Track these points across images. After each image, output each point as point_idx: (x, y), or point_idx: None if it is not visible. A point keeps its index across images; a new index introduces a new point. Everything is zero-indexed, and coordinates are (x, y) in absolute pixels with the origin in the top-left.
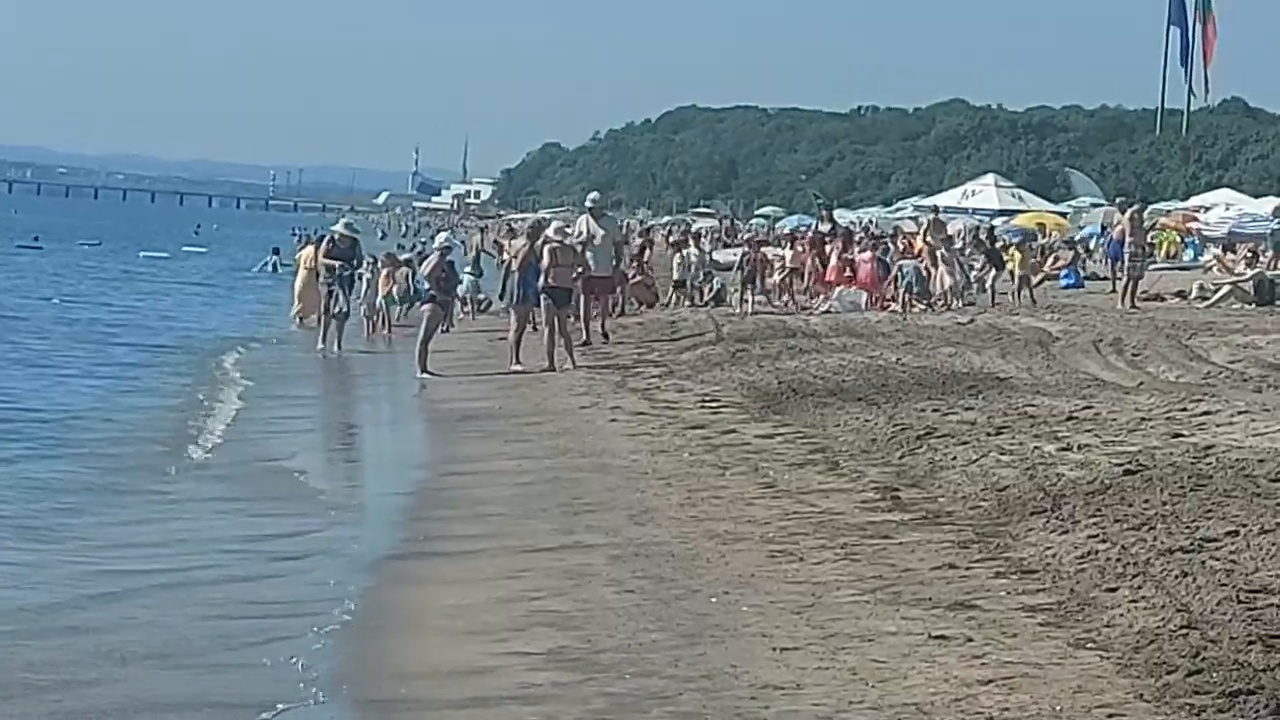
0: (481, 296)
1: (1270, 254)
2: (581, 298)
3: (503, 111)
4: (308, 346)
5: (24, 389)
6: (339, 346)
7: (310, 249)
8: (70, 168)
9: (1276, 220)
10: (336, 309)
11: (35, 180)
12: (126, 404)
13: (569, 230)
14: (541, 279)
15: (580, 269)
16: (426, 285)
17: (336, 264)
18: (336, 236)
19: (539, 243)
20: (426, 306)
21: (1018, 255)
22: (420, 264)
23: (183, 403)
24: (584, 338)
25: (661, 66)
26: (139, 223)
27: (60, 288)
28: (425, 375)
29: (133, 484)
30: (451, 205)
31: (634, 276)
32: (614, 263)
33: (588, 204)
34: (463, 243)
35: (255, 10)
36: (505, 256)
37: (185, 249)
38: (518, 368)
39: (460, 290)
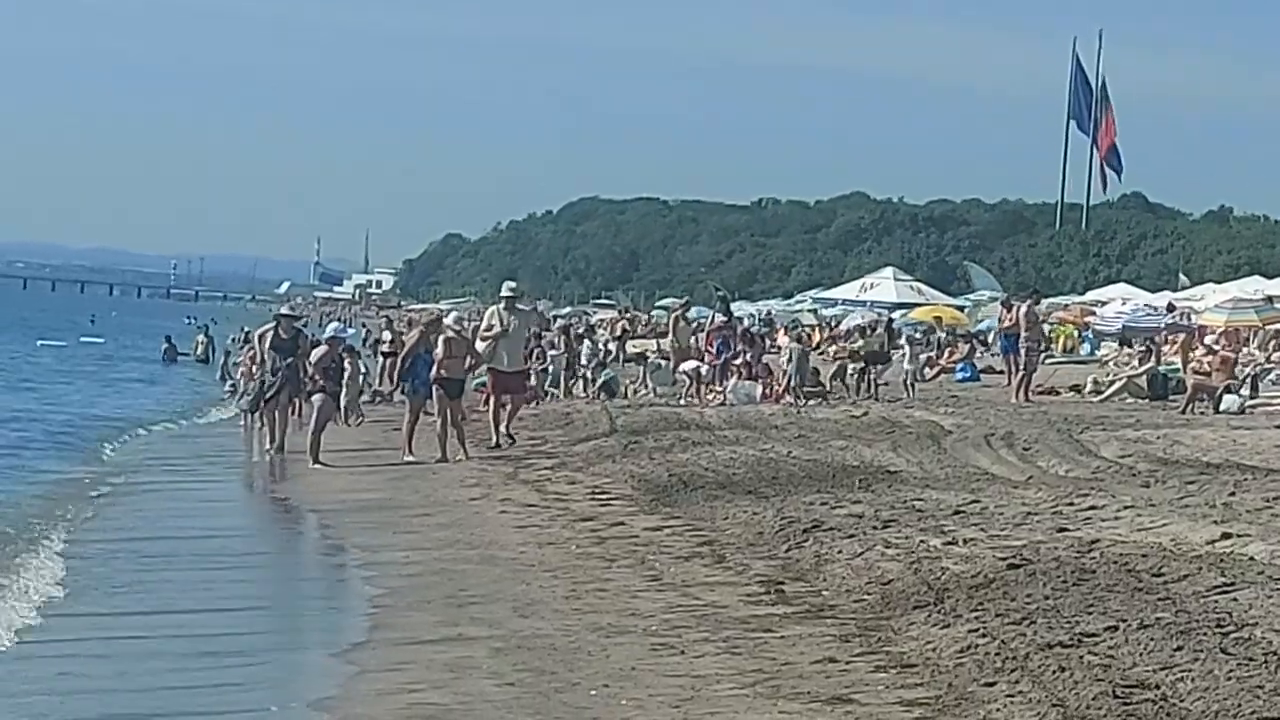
0: (385, 388)
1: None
2: (491, 397)
3: (405, 202)
4: (197, 434)
5: None
6: (277, 442)
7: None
8: None
9: (1171, 315)
10: (273, 404)
11: None
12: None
13: (465, 321)
14: (434, 370)
15: (474, 360)
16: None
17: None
18: (281, 325)
19: (433, 334)
20: (317, 396)
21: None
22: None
23: (67, 489)
24: (494, 441)
25: (564, 158)
26: (39, 311)
27: None
28: (317, 466)
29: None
30: (353, 295)
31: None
32: (526, 357)
33: (504, 293)
34: (369, 333)
35: (161, 99)
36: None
37: (83, 339)
38: (410, 458)
39: (361, 381)
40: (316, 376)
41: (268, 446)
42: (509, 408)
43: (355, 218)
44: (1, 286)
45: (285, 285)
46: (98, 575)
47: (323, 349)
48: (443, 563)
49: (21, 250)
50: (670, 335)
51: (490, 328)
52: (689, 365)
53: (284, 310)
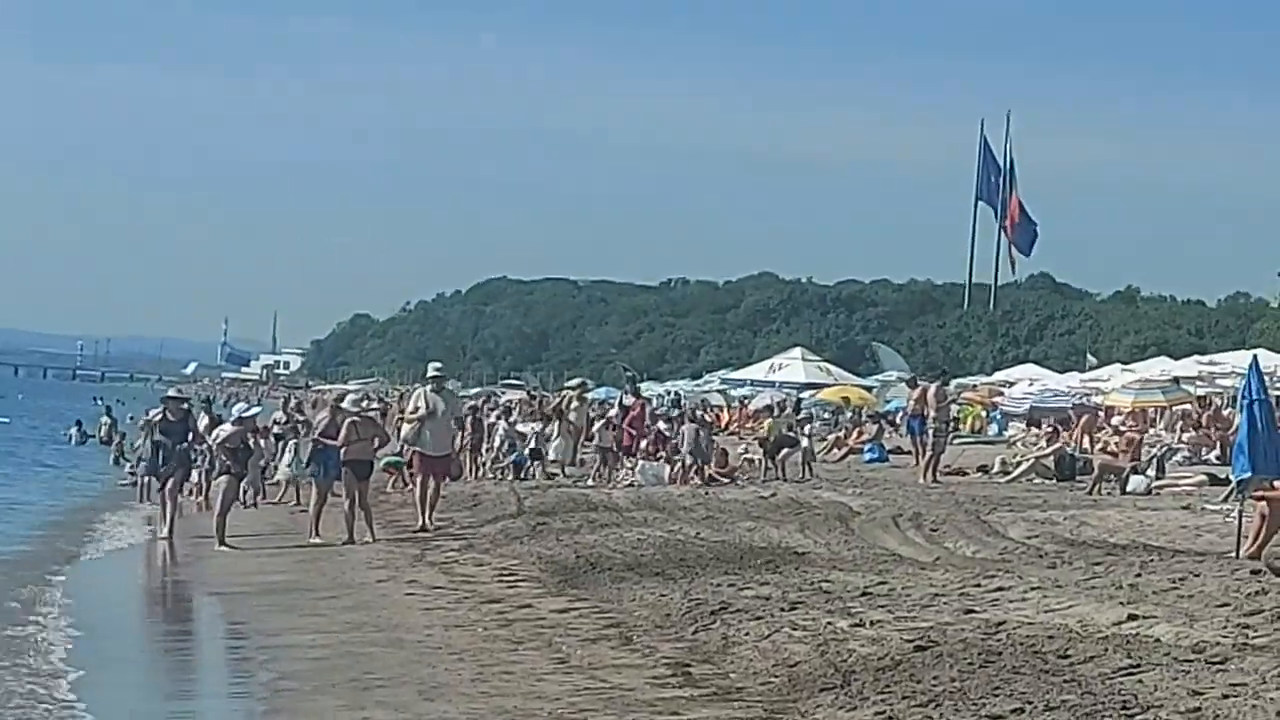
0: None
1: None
2: (418, 478)
3: (312, 282)
4: (108, 520)
5: None
6: (172, 529)
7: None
8: None
9: (1078, 396)
10: (170, 484)
11: None
12: None
13: (364, 403)
14: (341, 452)
15: (380, 441)
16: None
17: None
18: (168, 409)
19: (339, 416)
20: (222, 479)
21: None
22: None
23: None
24: (420, 523)
25: (472, 239)
26: None
27: None
28: (223, 548)
29: None
30: (261, 376)
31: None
32: (453, 439)
33: (430, 374)
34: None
35: (64, 179)
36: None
37: None
38: (317, 540)
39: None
40: (223, 457)
41: (162, 532)
42: (434, 491)
43: (263, 298)
44: None
45: (192, 366)
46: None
47: (230, 429)
48: (349, 645)
49: None
50: (566, 414)
51: (416, 410)
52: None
53: (171, 393)
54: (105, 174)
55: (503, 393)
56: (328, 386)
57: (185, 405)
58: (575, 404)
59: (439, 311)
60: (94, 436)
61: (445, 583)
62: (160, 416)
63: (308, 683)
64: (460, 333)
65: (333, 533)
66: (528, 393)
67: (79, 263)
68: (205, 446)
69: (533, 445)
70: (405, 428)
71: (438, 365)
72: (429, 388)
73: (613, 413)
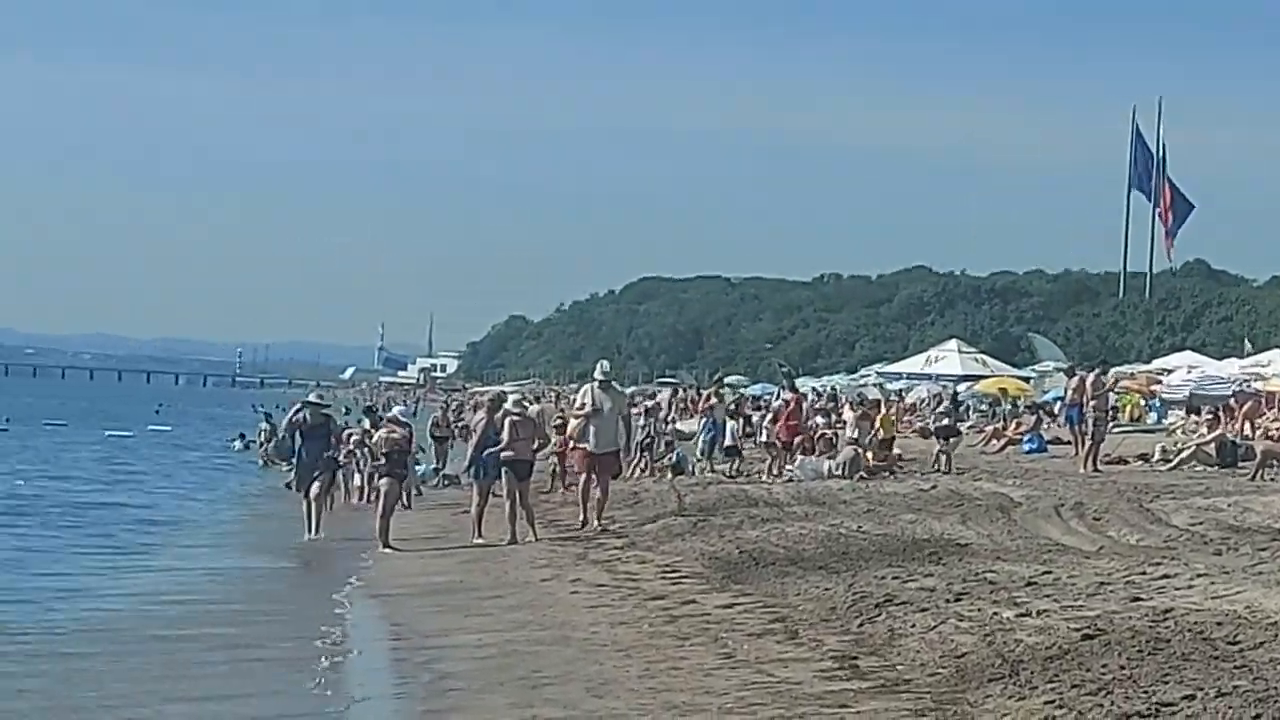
0: (450, 472)
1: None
2: (583, 476)
3: (467, 285)
4: (270, 523)
5: None
6: (319, 530)
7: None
8: (37, 348)
9: (1238, 383)
10: (314, 489)
11: (2, 361)
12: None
13: (526, 403)
14: (502, 452)
15: (540, 441)
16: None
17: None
18: (307, 413)
19: (498, 415)
20: (384, 481)
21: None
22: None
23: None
24: (583, 519)
25: (625, 238)
26: (105, 402)
27: (22, 469)
28: (386, 550)
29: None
30: (417, 379)
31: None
32: (621, 439)
33: (598, 375)
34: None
35: (222, 190)
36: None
37: (150, 428)
38: (479, 541)
39: (421, 471)
40: (382, 460)
41: (307, 537)
42: (599, 489)
43: (419, 302)
44: (70, 378)
45: (350, 370)
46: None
47: (387, 431)
48: (515, 644)
49: (88, 342)
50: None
51: (583, 406)
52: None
53: (312, 397)
54: (265, 186)
55: (658, 391)
56: (484, 388)
57: (326, 410)
58: (714, 400)
59: (593, 311)
60: (256, 443)
61: (609, 580)
62: (302, 419)
63: (475, 682)
64: (614, 332)
65: (495, 533)
66: (683, 389)
67: (239, 272)
68: (366, 450)
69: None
70: (571, 424)
71: (606, 365)
72: (596, 385)
73: (777, 404)
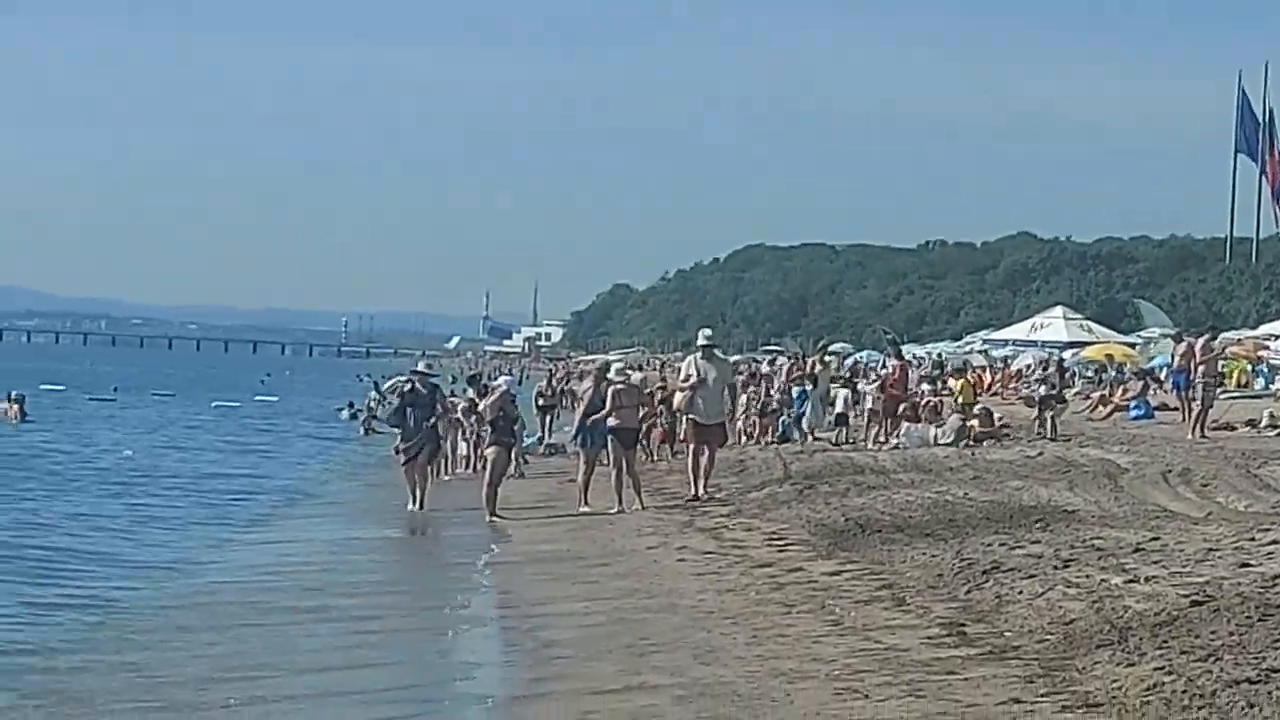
0: (555, 441)
1: None
2: (690, 447)
3: (572, 254)
4: (379, 493)
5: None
6: (424, 501)
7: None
8: (144, 319)
9: None
10: (420, 459)
11: (110, 332)
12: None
13: (630, 371)
14: (607, 420)
15: (645, 409)
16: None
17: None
18: (416, 382)
19: (604, 385)
20: (491, 449)
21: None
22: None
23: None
24: (694, 492)
25: (729, 207)
26: (212, 372)
27: (130, 439)
28: (493, 519)
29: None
30: (522, 348)
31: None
32: (726, 408)
33: (700, 342)
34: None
35: (331, 159)
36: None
37: (256, 398)
38: (586, 509)
39: (528, 440)
40: (489, 429)
41: (411, 507)
42: (709, 459)
43: (524, 271)
44: (177, 348)
45: (455, 340)
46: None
47: (493, 397)
48: (622, 612)
49: (195, 313)
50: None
51: (688, 377)
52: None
53: (420, 366)
54: (368, 154)
55: (764, 359)
56: (589, 357)
57: (435, 379)
58: (820, 367)
59: (698, 279)
60: (363, 412)
61: (715, 548)
62: (409, 388)
63: (582, 650)
64: (719, 300)
65: (601, 502)
66: (788, 357)
67: (344, 240)
68: (473, 420)
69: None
70: (677, 396)
71: (708, 333)
72: (700, 355)
73: (885, 371)
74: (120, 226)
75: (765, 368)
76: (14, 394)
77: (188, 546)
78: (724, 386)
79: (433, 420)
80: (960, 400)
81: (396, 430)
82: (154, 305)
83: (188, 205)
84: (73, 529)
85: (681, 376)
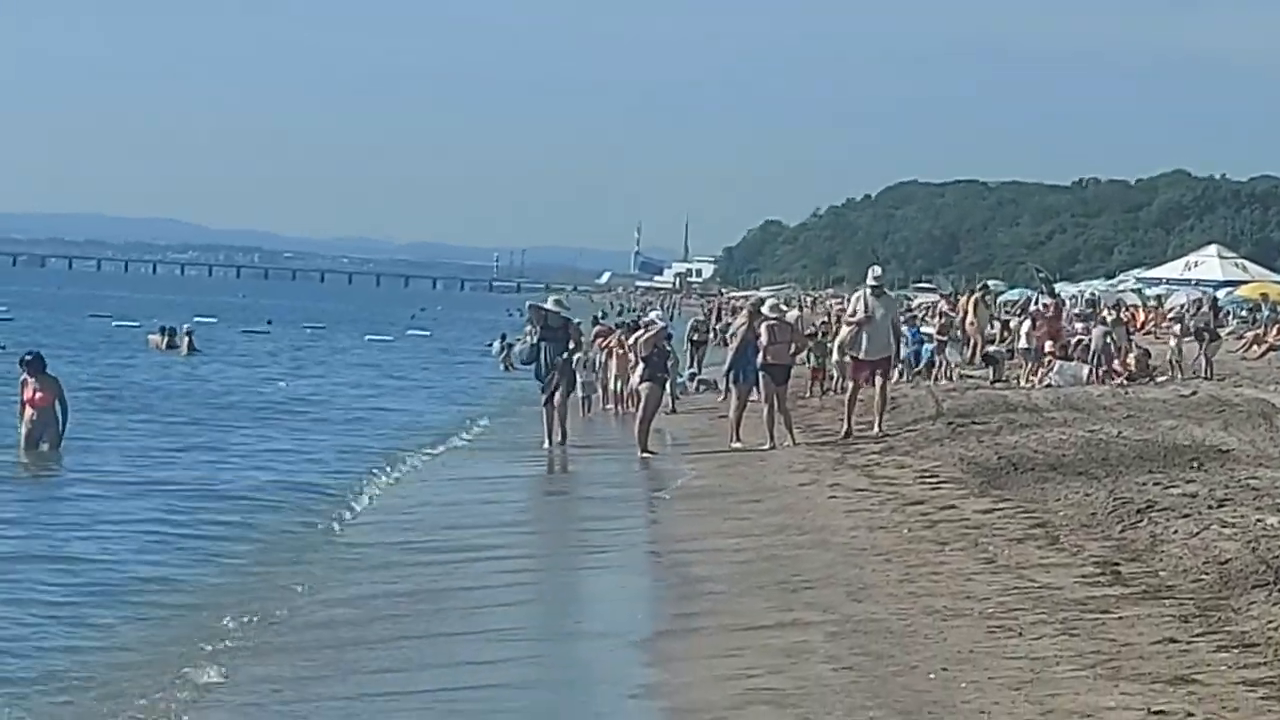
0: (706, 376)
1: None
2: (852, 384)
3: (724, 190)
4: (532, 429)
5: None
6: (563, 437)
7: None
8: (297, 252)
9: None
10: (556, 397)
11: (262, 265)
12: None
13: (784, 307)
14: (760, 356)
15: (797, 346)
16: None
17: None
18: (547, 316)
19: (757, 321)
20: (644, 385)
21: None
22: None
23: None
24: (845, 427)
25: (881, 143)
26: (364, 306)
27: (285, 371)
28: (645, 455)
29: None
30: (673, 284)
31: None
32: (892, 345)
33: (870, 281)
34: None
35: (476, 98)
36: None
37: (409, 331)
38: (737, 445)
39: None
40: (643, 365)
41: (548, 443)
42: (878, 396)
43: (675, 207)
44: (329, 282)
45: (606, 275)
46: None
47: (648, 333)
48: (773, 548)
49: (347, 246)
50: (969, 316)
51: (854, 313)
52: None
53: (550, 302)
54: (518, 94)
55: (914, 296)
56: (741, 293)
57: (564, 315)
58: (979, 306)
59: (849, 216)
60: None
61: (867, 485)
62: (541, 324)
63: (735, 585)
64: (870, 237)
65: (753, 438)
66: (941, 296)
67: (496, 176)
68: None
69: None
70: (843, 331)
71: (878, 271)
72: (869, 291)
73: (1035, 309)
74: (273, 160)
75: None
76: (186, 327)
77: (340, 483)
78: (890, 324)
79: (567, 356)
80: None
81: (528, 368)
82: (306, 239)
83: (340, 140)
84: (233, 462)
85: (849, 312)
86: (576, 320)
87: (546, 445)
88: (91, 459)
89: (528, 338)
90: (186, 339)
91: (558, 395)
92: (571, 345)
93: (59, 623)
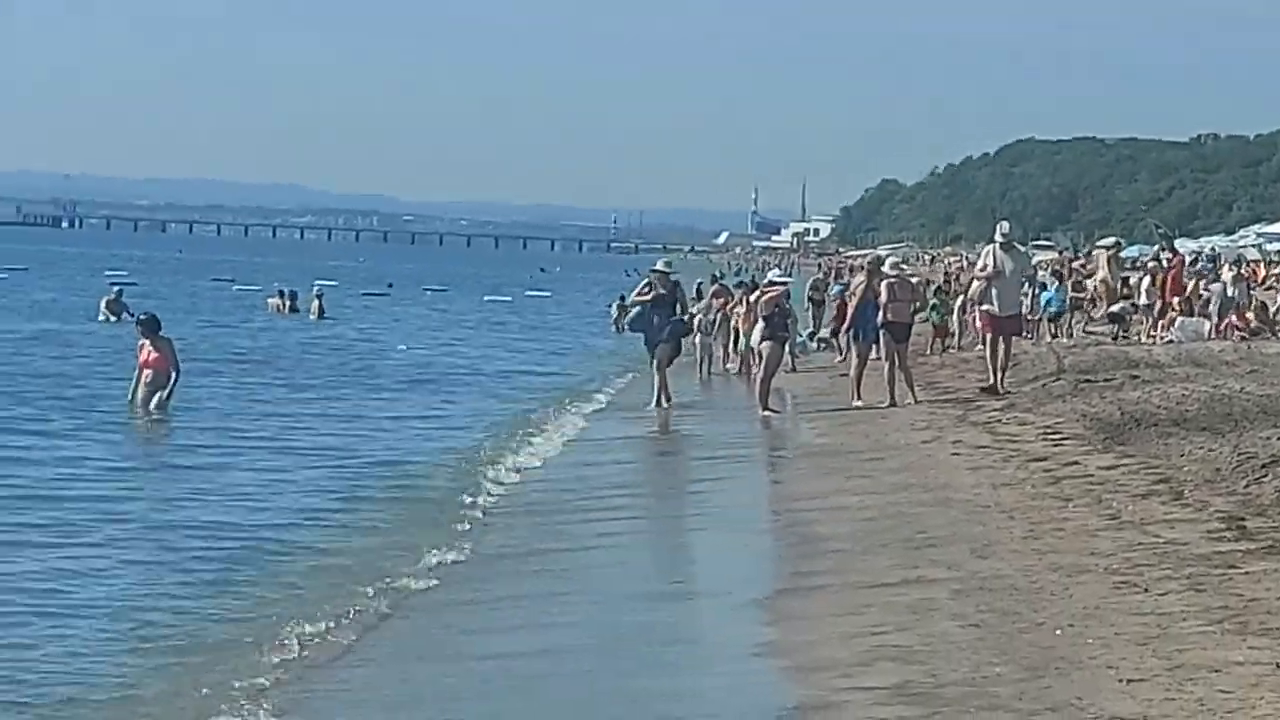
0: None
1: None
2: (989, 339)
3: (841, 149)
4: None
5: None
6: (668, 399)
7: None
8: (415, 215)
9: None
10: (663, 360)
11: (381, 228)
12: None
13: (904, 265)
14: (880, 314)
15: (918, 304)
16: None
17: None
18: (656, 281)
19: (876, 279)
20: (765, 344)
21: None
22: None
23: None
24: (990, 382)
25: (998, 100)
26: (483, 268)
27: (406, 334)
28: (767, 413)
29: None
30: (791, 243)
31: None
32: (1022, 301)
33: (998, 236)
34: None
35: (592, 62)
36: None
37: (527, 293)
38: (858, 404)
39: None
40: (764, 324)
41: (654, 404)
42: (1005, 352)
43: (792, 167)
44: (447, 244)
45: (724, 235)
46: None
47: (769, 293)
48: (897, 506)
49: (464, 209)
50: (1102, 274)
51: (984, 268)
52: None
53: (658, 265)
54: (637, 58)
55: (1034, 254)
56: (858, 252)
57: (674, 278)
58: (1113, 265)
59: (966, 174)
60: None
61: (990, 442)
62: (649, 288)
63: (859, 543)
64: (988, 195)
65: (874, 396)
66: (1059, 253)
67: (612, 138)
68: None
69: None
70: (973, 286)
71: (1006, 227)
72: (998, 246)
73: (1153, 265)
74: (392, 125)
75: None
76: (316, 290)
77: (471, 447)
78: (1021, 279)
79: (675, 319)
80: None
81: (640, 334)
82: (424, 202)
83: (459, 104)
84: (369, 428)
85: (979, 267)
86: (699, 282)
87: (654, 407)
88: (233, 424)
89: (637, 301)
90: (316, 302)
91: (665, 357)
92: (679, 308)
93: (212, 589)
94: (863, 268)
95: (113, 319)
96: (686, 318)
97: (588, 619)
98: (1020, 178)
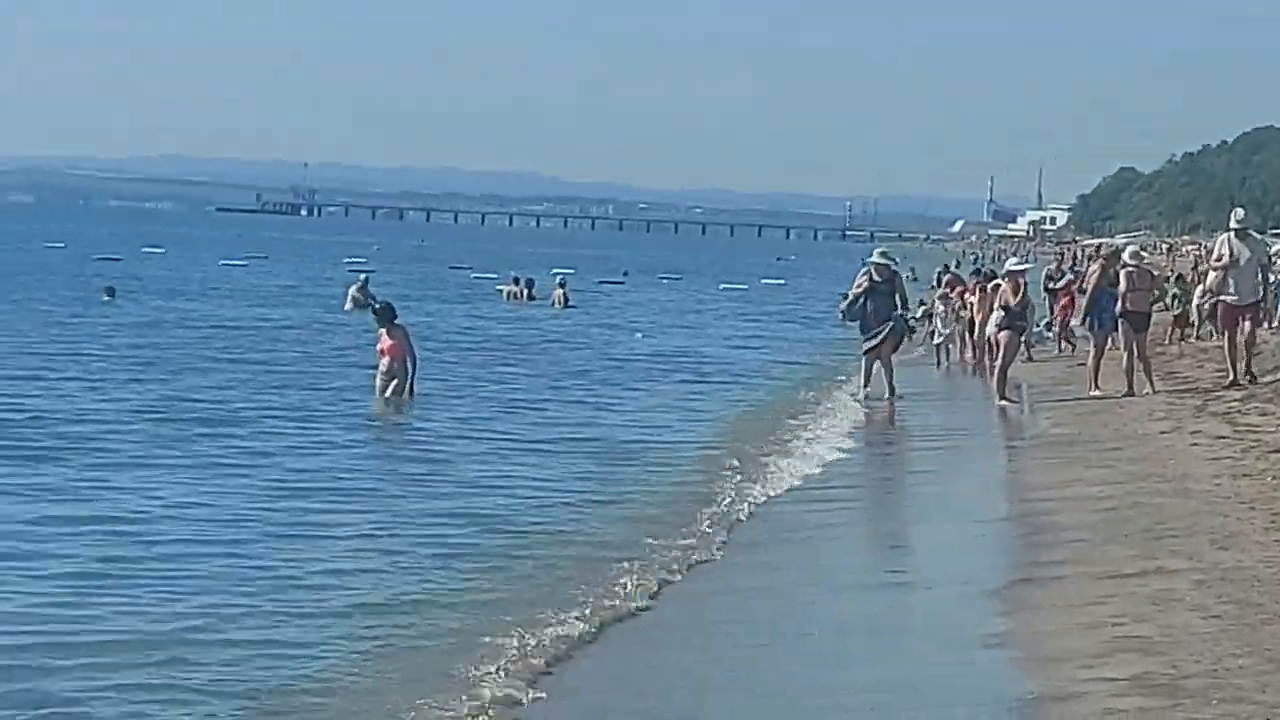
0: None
1: None
2: (1226, 331)
3: (1077, 138)
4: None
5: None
6: (891, 390)
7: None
8: (650, 203)
9: None
10: (883, 350)
11: (617, 216)
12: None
13: (1144, 254)
14: (1118, 304)
15: (1157, 293)
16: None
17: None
18: (873, 271)
19: (1113, 267)
20: (1003, 334)
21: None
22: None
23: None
24: (1232, 377)
25: (1239, 86)
26: (717, 256)
27: (644, 323)
28: (1003, 403)
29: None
30: (1027, 232)
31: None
32: (1260, 289)
33: (1233, 224)
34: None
35: (827, 49)
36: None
37: (763, 281)
38: (1096, 393)
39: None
40: (1002, 313)
41: (858, 394)
42: (1245, 339)
43: (1028, 155)
44: (682, 232)
45: (959, 224)
46: None
47: (1008, 283)
48: (1136, 496)
49: (698, 197)
50: None
51: (1220, 257)
52: None
53: (875, 256)
54: (873, 43)
55: (1273, 243)
56: (1094, 241)
57: (892, 268)
58: None
59: (1204, 163)
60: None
61: (1229, 433)
62: (868, 278)
63: (1099, 534)
64: (1227, 183)
65: (1112, 385)
66: None
67: (840, 125)
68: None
69: None
70: (1210, 276)
71: (1241, 213)
72: (1233, 234)
73: None
74: (625, 114)
75: None
76: (559, 279)
77: (721, 441)
78: (1258, 267)
79: (898, 313)
80: None
81: (854, 324)
82: (659, 190)
83: (694, 92)
84: (621, 418)
85: (1215, 256)
86: (937, 270)
87: (859, 395)
88: (484, 414)
89: (856, 291)
90: (560, 291)
91: (884, 348)
92: (898, 299)
93: (480, 575)
94: (1094, 257)
95: (359, 309)
96: (906, 313)
97: (812, 601)
98: (1260, 165)
